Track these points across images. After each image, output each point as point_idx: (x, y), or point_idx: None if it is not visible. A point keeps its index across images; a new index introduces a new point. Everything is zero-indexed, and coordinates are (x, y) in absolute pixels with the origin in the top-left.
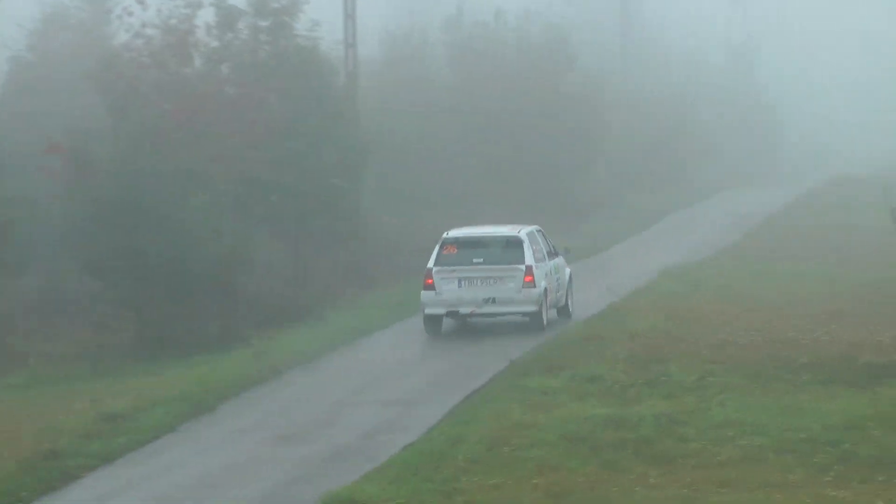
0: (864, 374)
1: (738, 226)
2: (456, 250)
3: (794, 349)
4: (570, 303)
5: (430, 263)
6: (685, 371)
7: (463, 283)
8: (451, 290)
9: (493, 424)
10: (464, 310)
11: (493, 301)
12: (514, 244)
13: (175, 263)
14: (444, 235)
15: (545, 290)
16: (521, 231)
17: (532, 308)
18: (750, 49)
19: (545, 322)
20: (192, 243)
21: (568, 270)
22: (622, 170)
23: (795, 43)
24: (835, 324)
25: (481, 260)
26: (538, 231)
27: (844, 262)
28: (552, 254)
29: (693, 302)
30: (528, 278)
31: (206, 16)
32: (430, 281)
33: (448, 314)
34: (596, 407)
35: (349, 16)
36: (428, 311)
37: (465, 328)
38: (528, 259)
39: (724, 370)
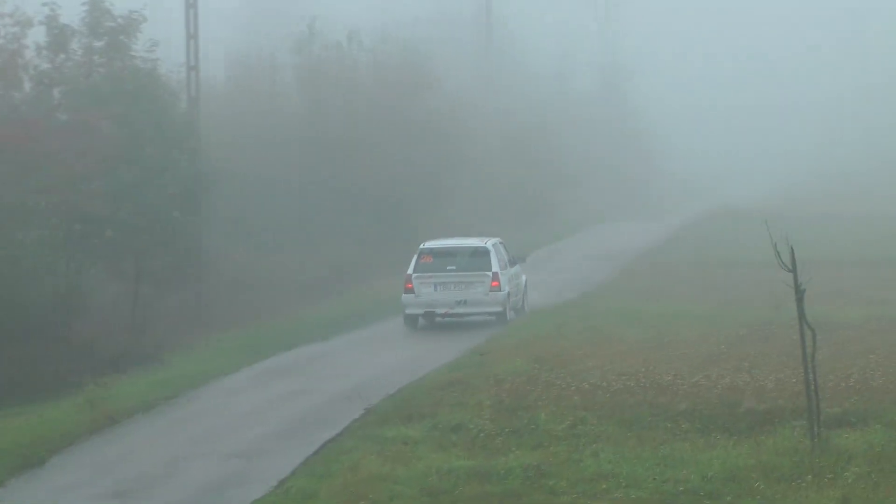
0: (746, 421)
1: (611, 262)
2: (431, 259)
3: (672, 395)
4: (525, 305)
5: (410, 270)
6: (555, 419)
7: (438, 287)
8: (427, 293)
9: (348, 478)
10: (439, 310)
11: (465, 303)
12: (482, 253)
13: (1, 305)
14: (421, 246)
15: (508, 293)
16: (488, 242)
17: (498, 309)
18: (620, 72)
19: (508, 319)
20: (20, 283)
21: (524, 277)
22: (485, 201)
23: (673, 67)
24: (714, 368)
25: (454, 267)
26: (500, 242)
27: (725, 302)
28: (512, 262)
29: (562, 344)
30: (495, 283)
31: (37, 35)
32: (409, 285)
33: (425, 314)
34: (459, 458)
35: (191, 36)
36: (408, 311)
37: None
38: (495, 266)
39: (596, 418)
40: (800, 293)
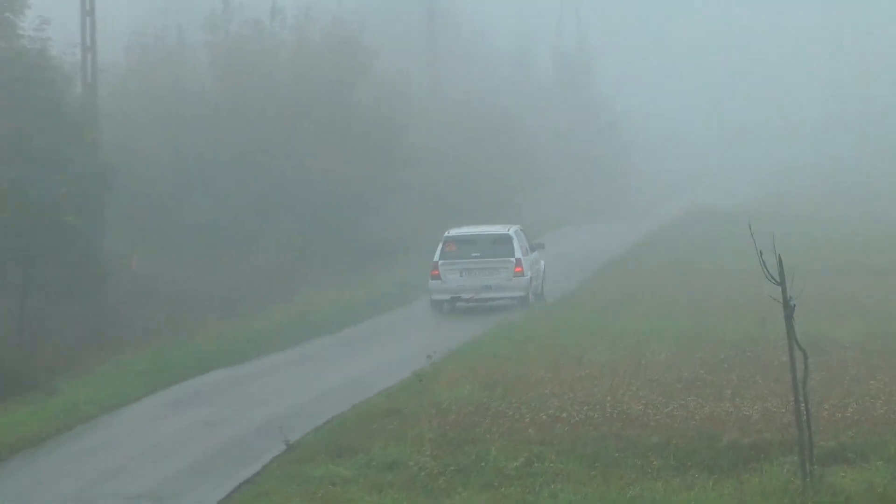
0: (728, 457)
1: (575, 271)
2: (456, 247)
3: (642, 427)
4: (543, 290)
5: (436, 258)
6: (507, 455)
7: (464, 273)
8: (454, 279)
9: None
10: (465, 295)
11: (489, 288)
12: (505, 240)
13: None
14: (446, 234)
15: (530, 278)
16: (510, 229)
17: (521, 293)
18: (585, 56)
19: (531, 301)
20: None
21: (543, 263)
22: (434, 202)
23: (647, 52)
24: (692, 395)
25: (478, 254)
26: (521, 229)
27: (705, 315)
28: (532, 249)
29: (518, 367)
30: (518, 269)
31: None
32: (436, 272)
33: (451, 299)
34: (396, 501)
35: (87, 12)
36: (435, 296)
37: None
38: (517, 252)
39: (555, 453)
40: (789, 309)
